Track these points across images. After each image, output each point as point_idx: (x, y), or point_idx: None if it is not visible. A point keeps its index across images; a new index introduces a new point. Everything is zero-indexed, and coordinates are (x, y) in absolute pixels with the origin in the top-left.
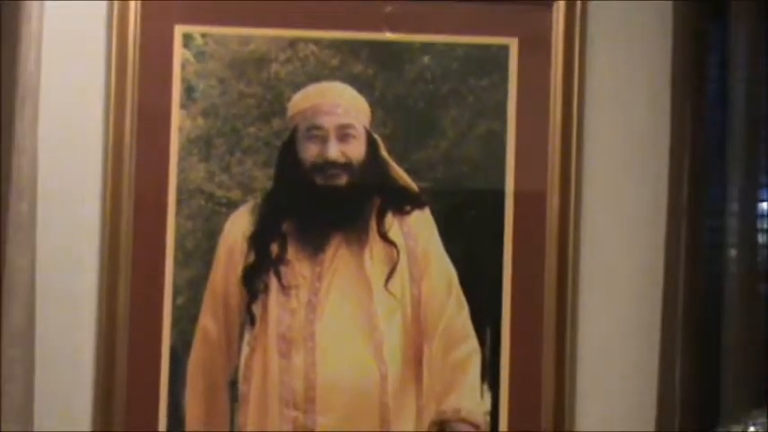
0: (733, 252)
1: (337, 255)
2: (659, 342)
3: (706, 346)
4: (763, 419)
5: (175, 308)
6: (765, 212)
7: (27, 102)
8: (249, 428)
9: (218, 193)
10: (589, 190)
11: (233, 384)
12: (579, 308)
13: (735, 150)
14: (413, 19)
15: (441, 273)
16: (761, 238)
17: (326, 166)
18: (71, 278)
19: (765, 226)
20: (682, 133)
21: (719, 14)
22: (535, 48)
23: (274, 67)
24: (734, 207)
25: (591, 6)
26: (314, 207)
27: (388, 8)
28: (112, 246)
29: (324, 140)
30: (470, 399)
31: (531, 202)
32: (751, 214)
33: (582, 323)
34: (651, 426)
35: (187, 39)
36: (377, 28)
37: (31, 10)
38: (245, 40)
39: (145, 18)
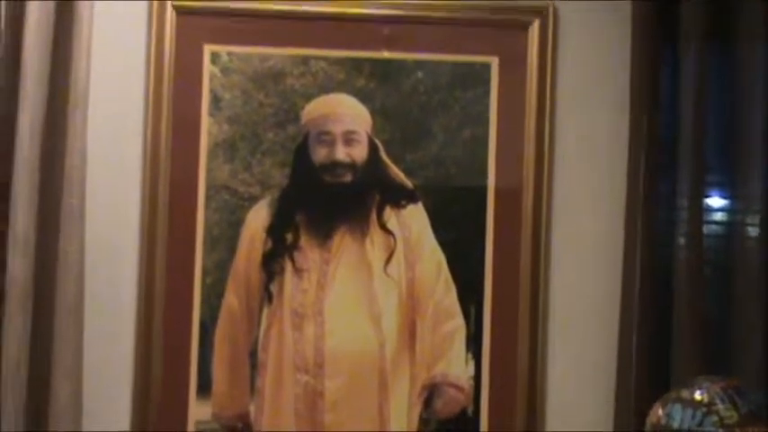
0: (682, 240)
1: (343, 242)
2: (618, 317)
3: (658, 320)
4: (708, 384)
5: (204, 287)
6: (710, 207)
7: (78, 108)
8: (267, 391)
9: (241, 189)
10: (559, 187)
11: (253, 353)
12: (550, 289)
13: (684, 153)
14: (407, 40)
15: (432, 258)
16: (705, 229)
17: (334, 166)
18: (115, 262)
19: (709, 218)
20: (638, 138)
21: (672, 37)
22: (513, 65)
23: (289, 80)
24: (683, 202)
25: (561, 30)
26: (323, 201)
27: (386, 31)
28: (150, 234)
29: (332, 144)
30: (457, 366)
31: (509, 198)
32: (697, 208)
33: (552, 301)
34: (612, 385)
35: (214, 56)
36: (377, 48)
37: (82, 29)
38: (265, 58)
39: (179, 38)
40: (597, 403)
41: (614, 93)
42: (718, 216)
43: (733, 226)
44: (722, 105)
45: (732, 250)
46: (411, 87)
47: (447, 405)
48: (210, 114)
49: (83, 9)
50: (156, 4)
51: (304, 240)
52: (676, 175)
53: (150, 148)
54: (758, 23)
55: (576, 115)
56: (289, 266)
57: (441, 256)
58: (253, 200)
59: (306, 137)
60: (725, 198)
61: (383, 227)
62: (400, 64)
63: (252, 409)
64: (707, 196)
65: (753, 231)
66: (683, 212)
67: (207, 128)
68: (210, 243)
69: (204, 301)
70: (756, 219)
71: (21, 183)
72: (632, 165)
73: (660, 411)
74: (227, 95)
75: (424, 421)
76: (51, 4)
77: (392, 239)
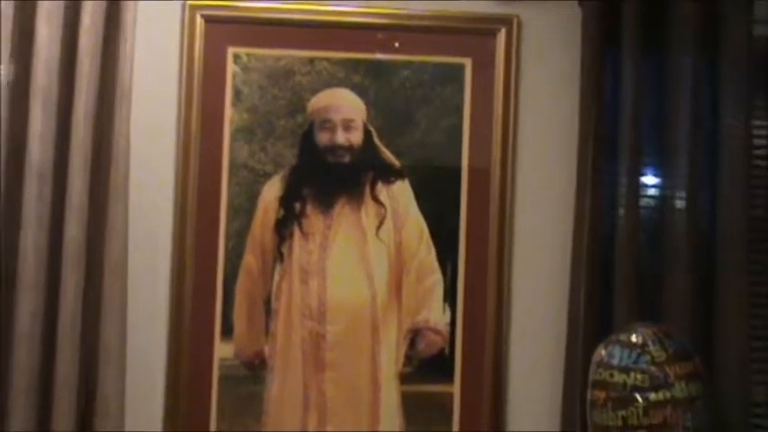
0: (622, 211)
1: (342, 211)
2: (569, 273)
3: (602, 276)
4: (642, 329)
5: (227, 249)
6: (645, 184)
7: (123, 101)
8: (278, 334)
9: (258, 167)
10: (521, 167)
11: (267, 303)
12: (513, 250)
13: (624, 140)
14: (396, 43)
15: (415, 225)
16: (641, 202)
17: (335, 148)
18: (153, 229)
19: (644, 193)
20: (587, 128)
21: (615, 45)
22: (484, 66)
23: (298, 77)
24: (623, 180)
25: (524, 37)
26: (325, 178)
27: (379, 36)
28: (183, 204)
29: (333, 130)
30: (436, 314)
31: (479, 176)
32: (635, 185)
33: (515, 260)
34: (564, 326)
35: (236, 57)
36: (371, 50)
37: (126, 36)
38: (278, 58)
39: (206, 42)
40: (552, 336)
41: (568, 90)
42: (652, 191)
43: (663, 200)
44: (655, 101)
45: (663, 219)
46: (399, 83)
47: (428, 346)
48: (233, 105)
49: (127, 19)
50: (187, 13)
51: (310, 210)
52: (618, 157)
53: (183, 134)
54: (684, 35)
55: (535, 108)
56: (297, 231)
57: (423, 224)
58: (267, 176)
59: (311, 124)
60: (657, 177)
61: (375, 199)
62: (390, 64)
63: (266, 348)
64: (642, 175)
65: (680, 204)
66: (623, 188)
67: (230, 117)
68: (232, 212)
69: (227, 261)
70: (683, 194)
71: (76, 162)
72: (581, 149)
73: (603, 351)
74: (246, 90)
75: (408, 359)
76: (101, 15)
77: (383, 209)
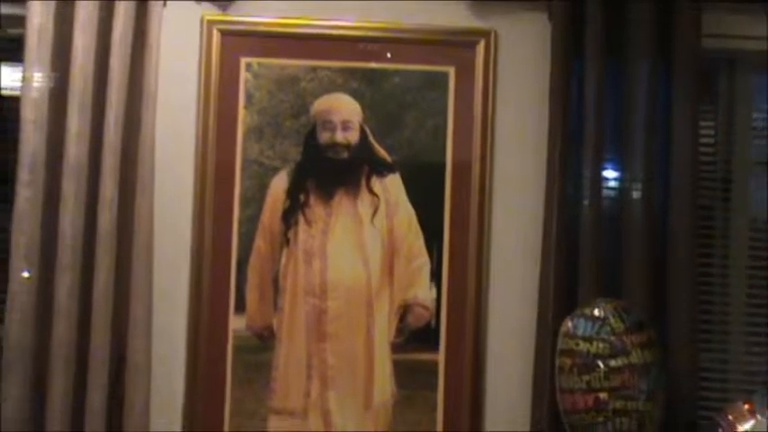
0: (586, 201)
1: (341, 202)
2: (540, 255)
3: (569, 257)
4: (603, 304)
5: (240, 234)
6: (606, 177)
7: (149, 104)
8: (285, 309)
9: (267, 162)
10: (498, 163)
11: (275, 281)
12: (491, 236)
13: (588, 138)
14: (388, 54)
15: (405, 214)
16: (603, 193)
17: (335, 146)
18: (175, 216)
19: (606, 185)
20: (555, 128)
21: (580, 55)
22: (465, 73)
23: (302, 83)
24: (587, 173)
25: (500, 48)
26: (326, 172)
27: (373, 47)
28: (201, 195)
29: (333, 130)
30: (423, 291)
31: (461, 170)
32: (597, 178)
33: (492, 245)
34: (536, 304)
35: (248, 65)
36: (366, 60)
37: (152, 47)
38: (284, 67)
39: (222, 53)
40: (525, 311)
41: (538, 94)
42: (612, 183)
43: (622, 191)
44: (615, 104)
45: (622, 208)
46: (391, 89)
47: (416, 319)
48: (245, 108)
49: (153, 32)
50: (205, 27)
51: (312, 200)
52: (582, 153)
53: (201, 133)
54: (641, 47)
55: (510, 111)
56: (301, 219)
57: (411, 212)
58: (275, 170)
59: (314, 125)
60: (617, 170)
61: (370, 190)
62: (383, 72)
63: (274, 321)
64: (604, 169)
65: (636, 194)
66: (587, 181)
67: (242, 118)
68: (244, 202)
69: (240, 244)
70: (639, 185)
71: (107, 158)
72: (551, 146)
73: (569, 323)
74: (256, 94)
75: (399, 331)
76: (130, 28)
77: (376, 199)
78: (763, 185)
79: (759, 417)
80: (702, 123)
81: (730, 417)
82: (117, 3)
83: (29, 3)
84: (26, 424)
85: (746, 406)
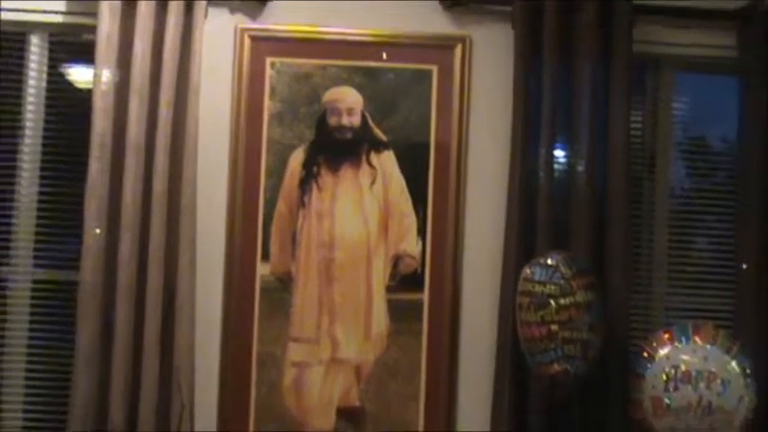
0: (541, 174)
1: (346, 173)
2: (505, 218)
3: (528, 219)
4: (555, 255)
5: (265, 199)
6: (557, 156)
7: (193, 97)
8: (301, 258)
9: (286, 141)
10: (472, 143)
11: (293, 236)
12: (466, 201)
13: (544, 125)
14: (384, 54)
15: (397, 183)
16: (555, 167)
17: (341, 128)
18: (214, 183)
19: (558, 162)
20: (518, 116)
21: (538, 57)
22: (445, 71)
23: (315, 78)
24: (543, 152)
25: (474, 50)
26: (334, 149)
27: (372, 49)
28: (234, 168)
29: (339, 115)
30: (411, 244)
31: (442, 149)
32: (550, 156)
33: (467, 208)
34: (501, 256)
35: (272, 64)
36: (366, 59)
37: (195, 51)
38: (300, 65)
39: (251, 54)
40: (493, 261)
41: (505, 88)
42: (562, 159)
43: (570, 165)
44: (565, 96)
45: (570, 178)
46: (386, 82)
47: (406, 267)
48: (269, 98)
49: (196, 38)
50: (238, 34)
51: (323, 171)
52: (539, 136)
53: (234, 118)
54: (586, 51)
55: (482, 102)
56: (314, 186)
57: (402, 182)
58: (293, 148)
59: (324, 111)
60: (566, 149)
61: (369, 164)
62: (380, 69)
63: (293, 268)
64: (556, 149)
65: (581, 168)
66: (542, 157)
67: (267, 106)
68: (269, 173)
69: (265, 206)
70: (583, 161)
71: (160, 139)
72: (514, 130)
73: (527, 270)
74: (278, 87)
75: (392, 276)
76: (178, 35)
77: (375, 171)
78: (680, 162)
79: (676, 343)
80: (634, 112)
81: (654, 343)
82: (168, 16)
83: (99, 14)
84: (97, 356)
85: (666, 335)
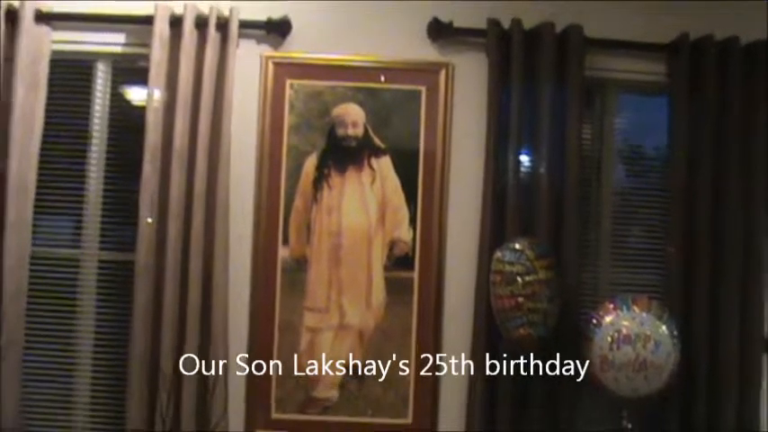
0: (510, 175)
1: (351, 175)
2: (481, 211)
3: (499, 213)
4: (521, 240)
5: (286, 196)
6: (522, 160)
7: (227, 113)
8: (314, 243)
9: (302, 148)
10: (454, 151)
11: (308, 226)
12: (449, 198)
13: (512, 135)
14: (382, 77)
15: (393, 182)
16: (521, 170)
17: (347, 138)
18: (243, 183)
19: (523, 165)
20: (491, 128)
21: (507, 81)
22: (432, 92)
23: (325, 96)
24: (511, 157)
25: (456, 75)
26: (341, 155)
27: (372, 73)
28: (260, 170)
29: (346, 127)
30: (405, 232)
31: (430, 155)
32: (517, 161)
33: (450, 203)
34: (477, 242)
35: (291, 85)
36: (367, 81)
37: (229, 75)
38: (314, 85)
39: (274, 76)
40: (471, 245)
41: (480, 107)
42: (527, 164)
43: (533, 168)
44: (530, 113)
45: (533, 179)
46: (383, 100)
47: (400, 250)
48: (289, 113)
49: (230, 65)
50: (263, 60)
51: (332, 173)
52: (508, 145)
53: (260, 130)
54: (546, 76)
55: (462, 117)
56: (325, 186)
57: (397, 181)
58: (308, 153)
59: (333, 124)
60: (529, 156)
61: (370, 167)
62: (379, 89)
63: (307, 252)
64: (522, 155)
65: (542, 171)
66: (511, 162)
67: (287, 119)
68: (288, 174)
69: (285, 202)
70: (543, 166)
71: (200, 147)
72: (488, 140)
73: (499, 253)
74: (296, 103)
75: (388, 258)
76: (216, 61)
77: (374, 173)
78: (621, 166)
79: (618, 312)
80: (584, 125)
81: (600, 312)
82: (207, 46)
83: (152, 45)
84: (150, 321)
85: (610, 305)
